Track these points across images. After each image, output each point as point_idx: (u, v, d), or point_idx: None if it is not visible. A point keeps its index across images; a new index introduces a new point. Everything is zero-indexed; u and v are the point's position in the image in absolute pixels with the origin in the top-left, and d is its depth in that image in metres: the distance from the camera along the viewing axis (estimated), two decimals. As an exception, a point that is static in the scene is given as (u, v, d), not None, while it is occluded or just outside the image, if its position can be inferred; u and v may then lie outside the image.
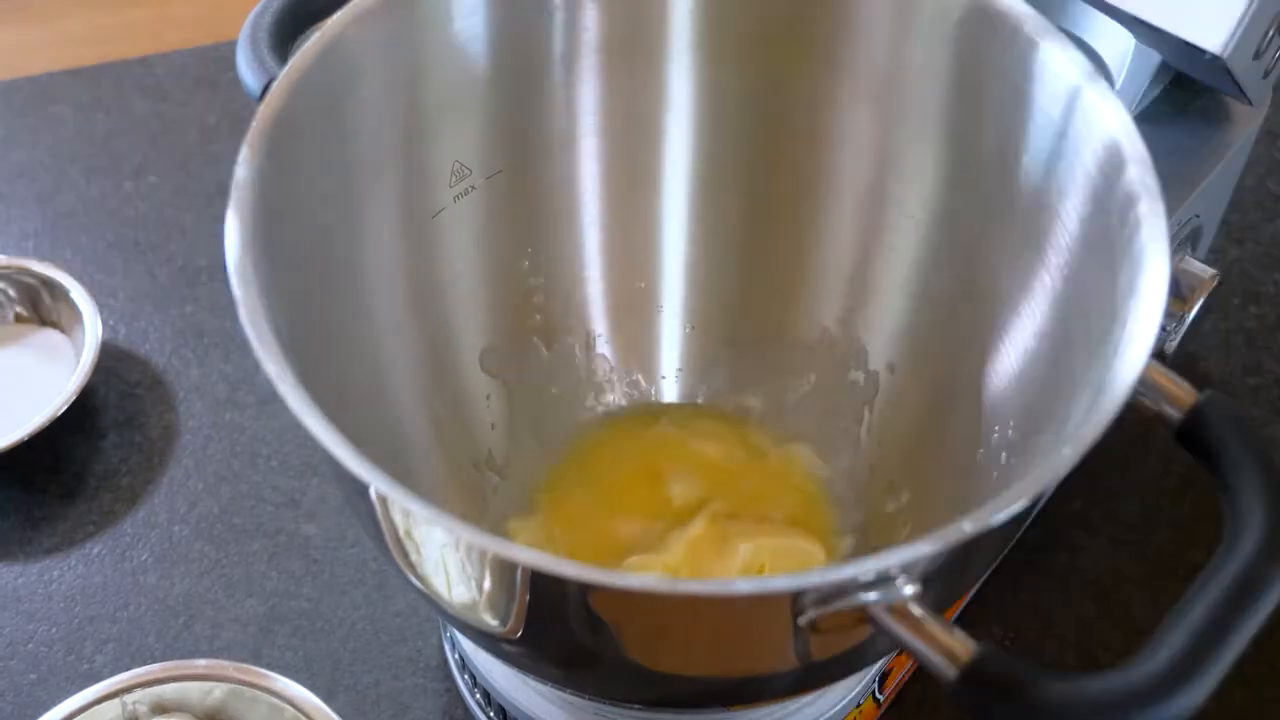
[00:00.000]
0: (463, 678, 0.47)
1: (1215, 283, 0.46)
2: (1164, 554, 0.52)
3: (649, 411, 0.50)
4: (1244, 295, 0.60)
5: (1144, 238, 0.31)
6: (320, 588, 0.51)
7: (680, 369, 0.50)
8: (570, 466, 0.49)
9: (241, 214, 0.32)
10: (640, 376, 0.50)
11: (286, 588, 0.52)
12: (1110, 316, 0.32)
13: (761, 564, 0.45)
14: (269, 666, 0.49)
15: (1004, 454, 0.40)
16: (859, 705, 0.44)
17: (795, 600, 0.27)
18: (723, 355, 0.50)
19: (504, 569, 0.28)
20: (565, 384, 0.49)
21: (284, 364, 0.28)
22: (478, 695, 0.46)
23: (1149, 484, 0.54)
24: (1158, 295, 0.30)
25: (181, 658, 0.49)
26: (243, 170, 0.33)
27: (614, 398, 0.50)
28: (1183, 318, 0.46)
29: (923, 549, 0.27)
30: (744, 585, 0.26)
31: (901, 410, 0.46)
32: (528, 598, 0.28)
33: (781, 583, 0.26)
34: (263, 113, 0.34)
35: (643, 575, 0.26)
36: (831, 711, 0.43)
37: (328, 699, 0.47)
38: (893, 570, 0.27)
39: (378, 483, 0.27)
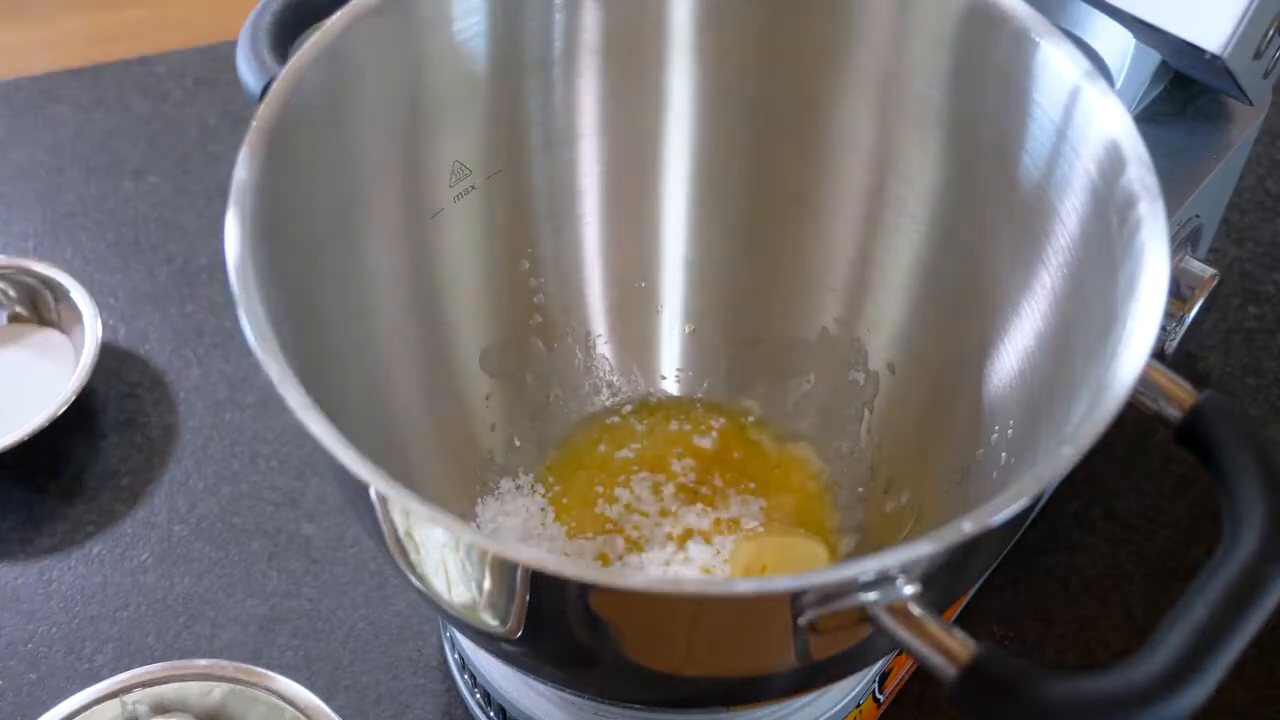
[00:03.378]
0: (463, 678, 0.47)
1: (1215, 283, 0.46)
2: (1164, 553, 0.52)
3: (648, 408, 0.50)
4: (1244, 295, 0.60)
5: (1144, 238, 0.31)
6: (320, 588, 0.51)
7: (680, 369, 0.50)
8: (570, 462, 0.49)
9: (241, 215, 0.32)
10: (640, 376, 0.50)
11: (286, 588, 0.52)
12: (1110, 316, 0.32)
13: (763, 564, 0.45)
14: (269, 666, 0.49)
15: (1004, 454, 0.40)
16: (859, 705, 0.44)
17: (795, 600, 0.27)
18: (723, 355, 0.50)
19: (504, 569, 0.28)
20: (565, 384, 0.49)
21: (284, 365, 0.28)
22: (478, 695, 0.46)
23: (1149, 483, 0.54)
24: (1157, 296, 0.30)
25: (181, 658, 0.49)
26: (242, 171, 0.33)
27: (614, 398, 0.50)
28: (1182, 318, 0.46)
29: (922, 549, 0.27)
30: (744, 585, 0.26)
31: (902, 410, 0.46)
32: (528, 598, 0.28)
33: (782, 583, 0.26)
34: (262, 113, 0.34)
35: (643, 575, 0.26)
36: (832, 711, 0.43)
37: (328, 699, 0.47)
38: (892, 570, 0.27)
39: (378, 483, 0.27)
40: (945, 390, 0.43)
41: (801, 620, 0.28)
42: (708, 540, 0.46)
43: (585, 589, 0.27)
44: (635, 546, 0.46)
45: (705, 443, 0.49)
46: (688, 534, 0.46)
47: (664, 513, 0.47)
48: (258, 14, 0.40)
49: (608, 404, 0.50)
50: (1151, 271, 0.30)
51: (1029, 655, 0.49)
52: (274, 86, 0.34)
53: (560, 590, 0.27)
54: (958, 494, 0.42)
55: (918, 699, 0.48)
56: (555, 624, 0.30)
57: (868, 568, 0.27)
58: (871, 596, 0.27)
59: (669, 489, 0.48)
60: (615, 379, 0.50)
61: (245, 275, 0.31)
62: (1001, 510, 0.27)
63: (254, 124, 0.33)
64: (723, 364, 0.50)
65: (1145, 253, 0.31)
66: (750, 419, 0.49)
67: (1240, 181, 0.54)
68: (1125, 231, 0.32)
